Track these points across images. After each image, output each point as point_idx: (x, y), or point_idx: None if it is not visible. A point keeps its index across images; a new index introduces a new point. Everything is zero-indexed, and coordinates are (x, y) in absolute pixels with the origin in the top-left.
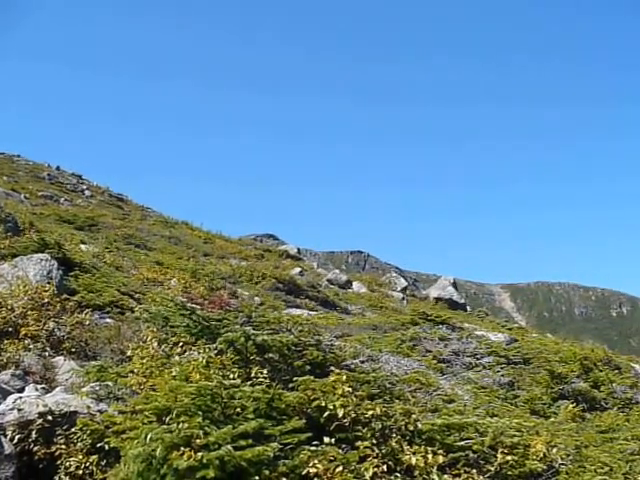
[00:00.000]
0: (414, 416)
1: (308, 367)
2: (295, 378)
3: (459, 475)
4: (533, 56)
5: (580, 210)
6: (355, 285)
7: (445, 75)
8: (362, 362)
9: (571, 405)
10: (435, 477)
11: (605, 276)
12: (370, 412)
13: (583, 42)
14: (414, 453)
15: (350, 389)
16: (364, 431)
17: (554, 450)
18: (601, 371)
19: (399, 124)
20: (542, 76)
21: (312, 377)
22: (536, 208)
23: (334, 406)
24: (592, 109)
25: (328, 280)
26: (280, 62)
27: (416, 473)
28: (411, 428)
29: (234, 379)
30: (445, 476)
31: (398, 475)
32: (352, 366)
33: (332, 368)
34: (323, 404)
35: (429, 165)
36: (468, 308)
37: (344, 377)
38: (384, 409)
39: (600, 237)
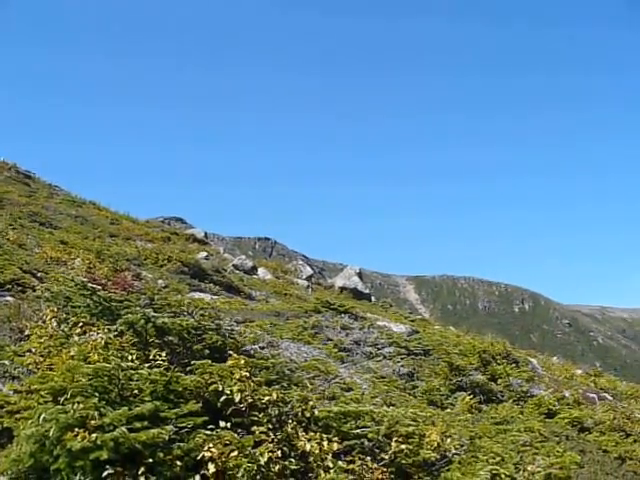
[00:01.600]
0: (311, 403)
1: (207, 351)
2: (193, 362)
3: (353, 462)
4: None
5: (486, 207)
6: (261, 271)
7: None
8: (262, 348)
9: (468, 397)
10: (329, 464)
11: (509, 272)
12: (267, 398)
13: None
14: (309, 440)
15: (248, 374)
16: (260, 416)
17: (448, 440)
18: (499, 364)
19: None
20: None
21: (210, 361)
22: (444, 204)
23: (231, 391)
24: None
25: (234, 265)
26: None
27: (311, 459)
28: (308, 415)
29: (132, 361)
30: (340, 463)
31: (292, 461)
32: (251, 351)
33: (231, 353)
34: (220, 388)
35: (339, 156)
36: (373, 298)
37: (242, 362)
38: (281, 395)
39: (505, 234)
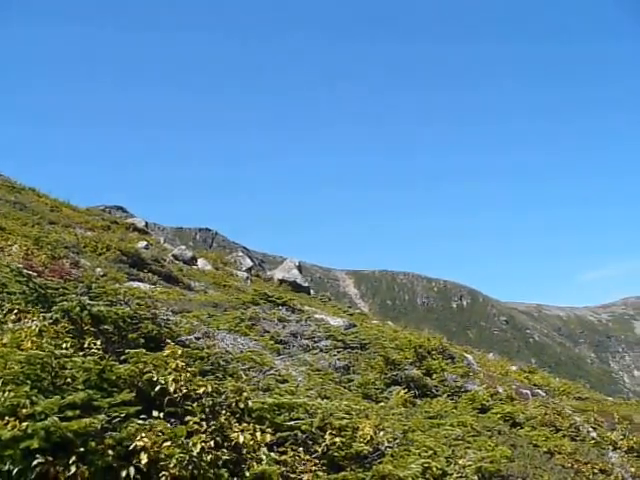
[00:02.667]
0: (245, 394)
1: (143, 340)
2: (128, 350)
3: (286, 453)
4: None
5: (426, 207)
6: (200, 262)
7: None
8: (197, 338)
9: (403, 391)
10: (262, 455)
11: (448, 269)
12: (201, 388)
13: None
14: (243, 431)
15: (183, 364)
16: (194, 406)
17: (381, 433)
18: (434, 359)
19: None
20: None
21: (145, 350)
22: (386, 203)
23: (165, 380)
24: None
25: (174, 255)
26: None
27: (244, 450)
28: (242, 406)
29: (67, 349)
30: (272, 454)
31: (225, 451)
32: (187, 342)
33: (167, 342)
34: (155, 378)
35: (282, 145)
36: (312, 292)
37: (178, 352)
38: (215, 386)
39: (444, 230)
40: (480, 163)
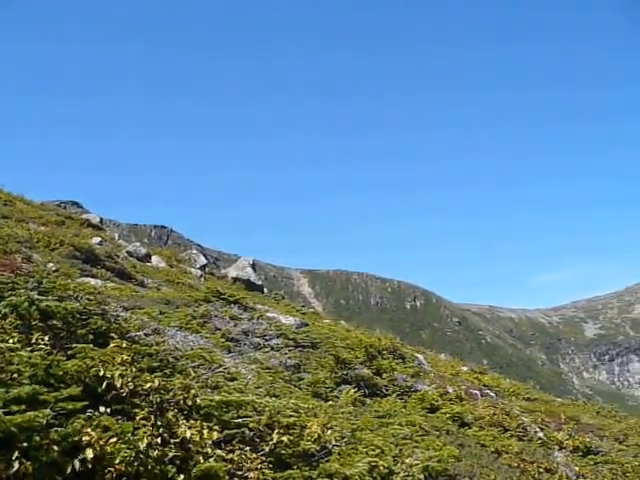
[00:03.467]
0: (193, 391)
1: (92, 336)
2: (75, 345)
3: (233, 451)
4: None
5: (381, 207)
6: (154, 259)
7: None
8: (147, 335)
9: (353, 390)
10: (209, 452)
11: (402, 269)
12: (148, 384)
13: None
14: (190, 427)
15: (130, 360)
16: (142, 402)
17: (329, 432)
18: (385, 359)
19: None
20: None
21: (92, 346)
22: (338, 202)
23: (112, 376)
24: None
25: (128, 252)
26: None
27: (191, 447)
28: (190, 403)
29: (13, 344)
30: (219, 451)
31: (172, 447)
32: (136, 338)
33: (113, 337)
34: (102, 373)
35: (237, 149)
36: (265, 290)
37: (124, 347)
38: (163, 382)
39: (399, 231)
40: (434, 168)
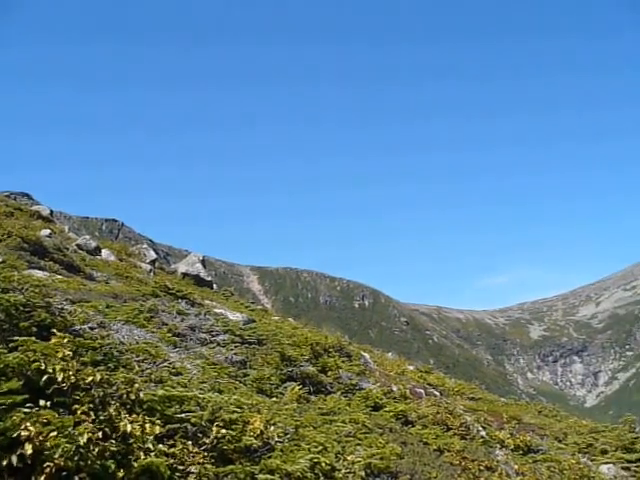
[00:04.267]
0: (137, 385)
1: (35, 329)
2: (17, 338)
3: (175, 446)
4: None
5: (332, 205)
6: (104, 252)
7: None
8: (92, 328)
9: (297, 387)
10: (150, 446)
11: (352, 269)
12: (90, 378)
13: None
14: (132, 422)
15: (71, 353)
16: (83, 396)
17: (272, 428)
18: (331, 357)
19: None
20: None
21: (35, 338)
22: (290, 200)
23: (54, 369)
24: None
25: (77, 245)
26: None
27: (132, 441)
28: (133, 397)
29: None
30: (161, 446)
31: (113, 442)
32: (81, 331)
33: (58, 331)
34: (43, 367)
35: (193, 144)
36: (215, 286)
37: (66, 341)
38: (106, 376)
39: (348, 231)
40: (387, 165)
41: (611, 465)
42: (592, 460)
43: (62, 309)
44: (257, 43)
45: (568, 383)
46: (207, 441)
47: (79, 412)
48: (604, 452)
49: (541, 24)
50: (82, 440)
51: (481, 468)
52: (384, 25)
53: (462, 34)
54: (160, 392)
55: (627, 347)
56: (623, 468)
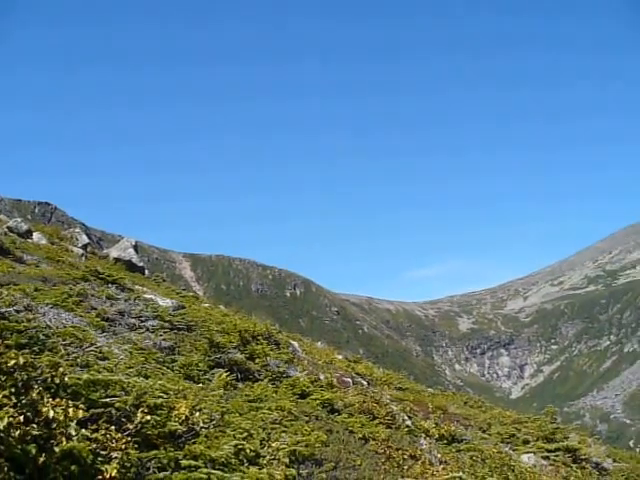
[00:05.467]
0: (61, 369)
1: None
2: None
3: (98, 431)
4: None
5: (262, 193)
6: (36, 236)
7: None
8: (18, 311)
9: (225, 374)
10: (72, 431)
11: (284, 257)
12: (13, 361)
13: None
14: (55, 406)
15: None
16: (5, 380)
17: (197, 414)
18: (259, 344)
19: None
20: None
21: None
22: (223, 187)
23: None
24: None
25: (8, 227)
26: None
27: (54, 426)
28: (57, 381)
29: None
30: (83, 431)
31: (35, 427)
32: (6, 314)
33: None
34: None
35: (128, 128)
36: (147, 272)
37: None
38: (31, 360)
39: (282, 219)
40: (320, 166)
41: (532, 454)
42: (514, 450)
43: None
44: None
45: (495, 375)
46: (131, 426)
47: (0, 396)
48: (526, 442)
49: None
50: (2, 424)
51: (405, 457)
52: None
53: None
54: (85, 376)
55: (552, 341)
56: (543, 457)
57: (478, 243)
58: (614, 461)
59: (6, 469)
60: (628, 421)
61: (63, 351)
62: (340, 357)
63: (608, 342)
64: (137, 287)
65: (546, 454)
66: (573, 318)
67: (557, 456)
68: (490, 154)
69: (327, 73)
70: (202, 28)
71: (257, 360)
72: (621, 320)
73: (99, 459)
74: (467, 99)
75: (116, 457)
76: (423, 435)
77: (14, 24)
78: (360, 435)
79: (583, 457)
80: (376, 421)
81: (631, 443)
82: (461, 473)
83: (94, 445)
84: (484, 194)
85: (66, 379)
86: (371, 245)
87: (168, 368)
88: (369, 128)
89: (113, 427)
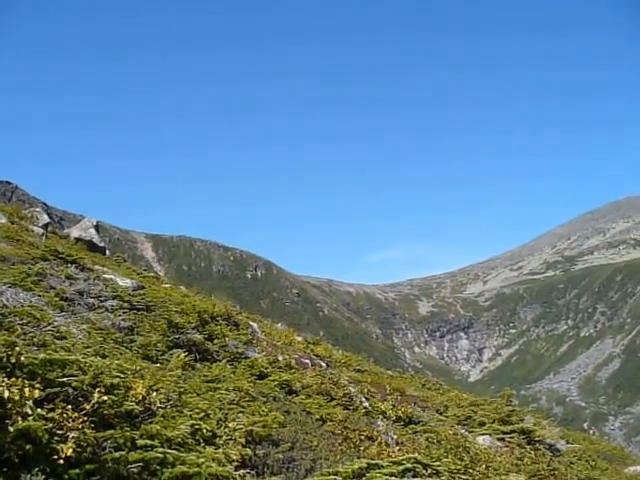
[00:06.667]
0: (18, 348)
1: None
2: None
3: (54, 410)
4: None
5: (224, 176)
6: None
7: None
8: None
9: (183, 354)
10: (28, 410)
11: (245, 239)
12: None
13: None
14: (11, 386)
15: None
16: None
17: (154, 394)
18: (218, 325)
19: None
20: None
21: None
22: (185, 170)
23: None
24: None
25: None
26: None
27: (10, 405)
28: (13, 360)
29: None
30: (39, 410)
31: None
32: None
33: None
34: None
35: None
36: (108, 252)
37: None
38: None
39: (244, 202)
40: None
41: (487, 436)
42: (470, 431)
43: None
44: None
45: (454, 358)
46: (88, 406)
47: None
48: (482, 424)
49: None
50: None
51: (362, 438)
52: None
53: None
54: (42, 356)
55: (511, 325)
56: (498, 439)
57: (439, 227)
58: (567, 442)
59: None
60: (583, 404)
61: (20, 330)
62: (300, 339)
63: (565, 327)
64: (97, 267)
65: (501, 436)
66: (531, 303)
67: (512, 438)
68: (452, 138)
69: (290, 54)
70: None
71: (216, 341)
72: (578, 305)
73: (55, 439)
74: (416, 83)
75: (72, 437)
76: (380, 417)
77: None
78: (318, 416)
79: (537, 439)
80: (334, 402)
81: (585, 425)
82: (417, 454)
83: (50, 425)
84: (446, 178)
85: (22, 358)
86: (333, 228)
87: (126, 348)
88: (327, 112)
89: (70, 407)
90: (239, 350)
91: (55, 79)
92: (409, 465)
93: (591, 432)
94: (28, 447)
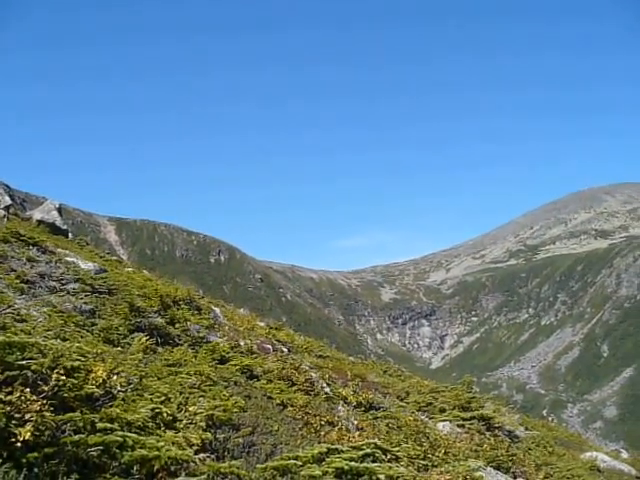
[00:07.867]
0: None
1: None
2: None
3: (12, 393)
4: None
5: (189, 160)
6: None
7: None
8: None
9: (145, 338)
10: None
11: (210, 223)
12: None
13: None
14: None
15: None
16: None
17: (115, 377)
18: (180, 309)
19: None
20: None
21: None
22: (147, 157)
23: None
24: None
25: None
26: None
27: None
28: None
29: None
30: None
31: None
32: None
33: None
34: None
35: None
36: (70, 235)
37: None
38: None
39: (208, 187)
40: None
41: (447, 422)
42: (430, 418)
43: None
44: None
45: (416, 345)
46: (47, 389)
47: None
48: (442, 410)
49: None
50: None
51: (322, 423)
52: None
53: None
54: (1, 338)
55: (473, 313)
56: (458, 425)
57: (402, 215)
58: (526, 429)
59: None
60: (542, 391)
61: None
62: (262, 324)
63: (526, 315)
64: (59, 250)
65: (461, 422)
66: (493, 291)
67: (472, 424)
68: (417, 125)
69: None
70: None
71: (177, 325)
72: (539, 294)
73: (13, 422)
74: (378, 70)
75: (31, 420)
76: (341, 402)
77: None
78: (278, 401)
79: (497, 425)
80: (295, 387)
81: (544, 412)
82: (377, 440)
83: (8, 408)
84: (410, 166)
85: None
86: (296, 214)
87: (88, 331)
88: (294, 98)
89: (28, 390)
90: (201, 334)
91: (18, 65)
92: (369, 450)
93: (550, 419)
94: None
